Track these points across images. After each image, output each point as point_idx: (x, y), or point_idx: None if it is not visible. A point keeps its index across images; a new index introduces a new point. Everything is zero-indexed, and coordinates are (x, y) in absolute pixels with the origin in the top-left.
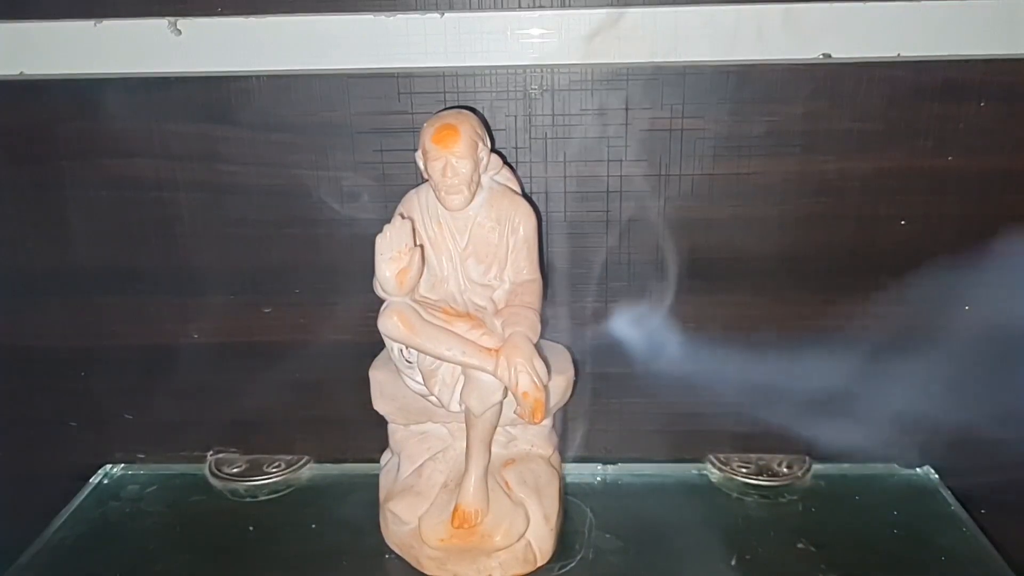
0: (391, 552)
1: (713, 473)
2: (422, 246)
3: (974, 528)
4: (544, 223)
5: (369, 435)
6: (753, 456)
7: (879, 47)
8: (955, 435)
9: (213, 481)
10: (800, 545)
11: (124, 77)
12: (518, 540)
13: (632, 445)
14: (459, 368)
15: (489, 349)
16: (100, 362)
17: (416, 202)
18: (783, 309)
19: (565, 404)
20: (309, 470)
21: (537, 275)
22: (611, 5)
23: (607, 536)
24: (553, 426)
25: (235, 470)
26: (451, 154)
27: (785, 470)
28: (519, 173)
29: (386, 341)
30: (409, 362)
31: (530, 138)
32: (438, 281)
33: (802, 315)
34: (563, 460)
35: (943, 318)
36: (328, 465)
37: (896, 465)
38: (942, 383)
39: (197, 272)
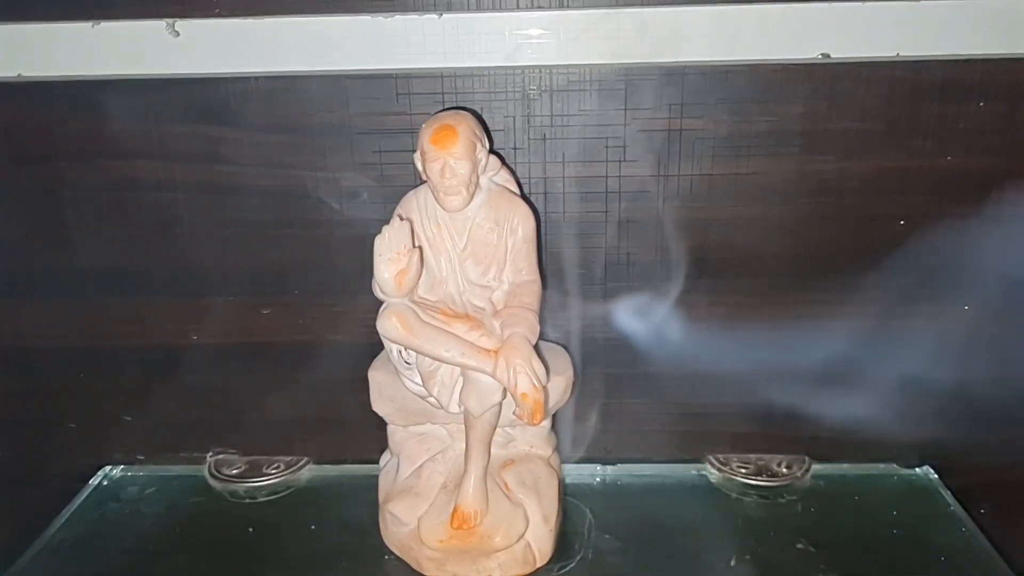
0: (390, 553)
1: (712, 473)
2: (421, 247)
3: (973, 528)
4: (543, 224)
5: (368, 436)
6: (752, 456)
7: (878, 47)
8: (955, 435)
9: (212, 482)
10: (800, 545)
11: (123, 78)
12: (517, 541)
13: (631, 445)
14: (458, 369)
15: (488, 350)
16: (99, 363)
17: (415, 203)
18: (783, 309)
19: (566, 404)
20: (308, 471)
21: (536, 276)
22: (610, 5)
23: (606, 537)
24: (552, 428)
25: (234, 471)
26: (449, 155)
27: (784, 470)
28: (518, 174)
29: (385, 342)
30: (408, 363)
31: (529, 139)
32: (437, 282)
33: (802, 315)
34: (563, 460)
35: (943, 318)
36: (327, 466)
37: (895, 465)
38: (943, 384)
39: (196, 273)
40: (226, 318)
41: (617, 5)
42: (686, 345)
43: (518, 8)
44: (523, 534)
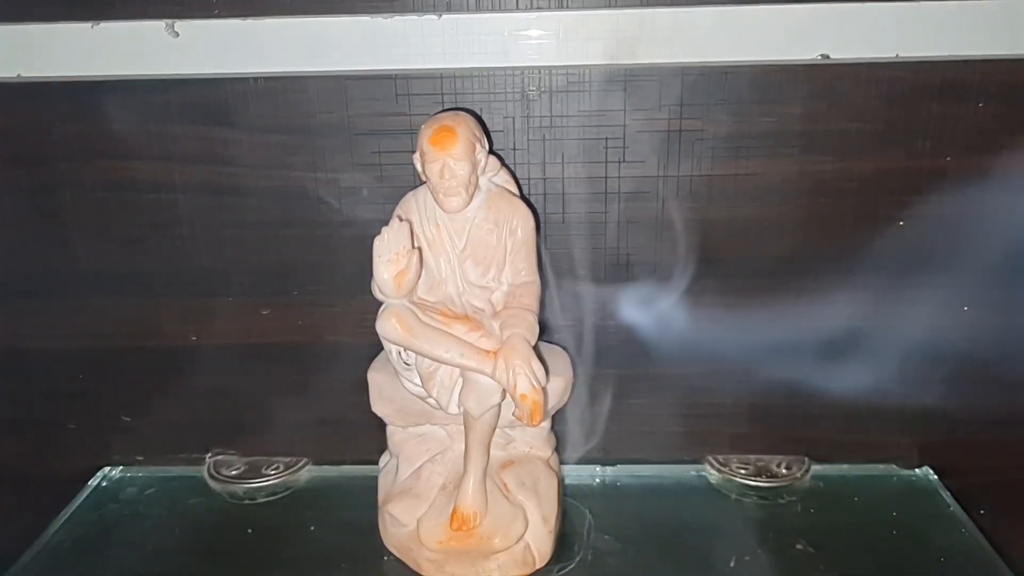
0: (390, 554)
1: (712, 474)
2: (420, 248)
3: (973, 529)
4: (542, 225)
5: (368, 437)
6: (752, 457)
7: (877, 48)
8: (955, 436)
9: (212, 483)
10: (799, 546)
11: (122, 79)
12: (517, 542)
13: (631, 446)
14: (457, 370)
15: (487, 351)
16: (98, 364)
17: (414, 204)
18: (782, 310)
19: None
20: (308, 472)
21: (535, 277)
22: (609, 7)
23: (606, 538)
24: (552, 428)
25: (234, 472)
26: (449, 156)
27: (784, 471)
28: (517, 174)
29: (384, 343)
30: (407, 364)
31: (528, 139)
32: (436, 283)
33: (801, 316)
34: (562, 461)
35: (942, 318)
36: (327, 467)
37: (895, 466)
38: (943, 383)
39: (196, 274)
40: (225, 319)
41: (616, 6)
42: (685, 346)
43: (517, 9)
44: (522, 535)
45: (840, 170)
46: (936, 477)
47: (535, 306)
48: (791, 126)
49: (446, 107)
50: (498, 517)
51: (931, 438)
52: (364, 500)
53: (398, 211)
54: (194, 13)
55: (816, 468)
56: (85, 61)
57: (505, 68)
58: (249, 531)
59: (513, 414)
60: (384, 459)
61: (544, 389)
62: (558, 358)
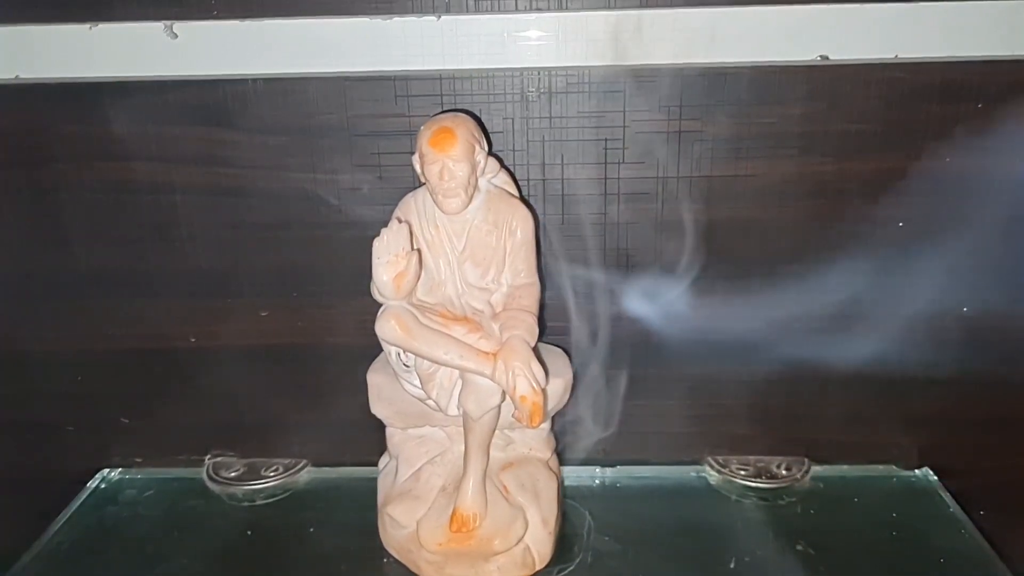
0: (389, 556)
1: (712, 475)
2: (419, 250)
3: (973, 530)
4: (542, 226)
5: (367, 439)
6: (752, 458)
7: (877, 48)
8: (955, 437)
9: (211, 485)
10: (799, 547)
11: (121, 80)
12: (516, 544)
13: (630, 447)
14: (457, 372)
15: (487, 353)
16: (97, 366)
17: (413, 205)
18: (782, 311)
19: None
20: (307, 474)
21: (535, 278)
22: (608, 8)
23: (606, 539)
24: (552, 429)
25: (233, 474)
26: (448, 157)
27: (784, 472)
28: (516, 176)
29: (384, 345)
30: (407, 366)
31: (527, 141)
32: (435, 285)
33: (801, 317)
34: (562, 463)
35: (942, 319)
36: (326, 469)
37: (895, 467)
38: (943, 384)
39: (194, 275)
40: (224, 320)
41: (616, 7)
42: (685, 347)
43: (516, 10)
44: (522, 537)
45: (839, 171)
46: (936, 478)
47: (534, 307)
48: (790, 127)
49: (445, 108)
50: (498, 519)
51: (931, 439)
52: (363, 502)
53: (397, 212)
54: (193, 14)
55: (816, 469)
56: (84, 62)
57: (504, 69)
58: (248, 533)
59: (512, 416)
60: (383, 461)
61: (543, 391)
62: (557, 359)
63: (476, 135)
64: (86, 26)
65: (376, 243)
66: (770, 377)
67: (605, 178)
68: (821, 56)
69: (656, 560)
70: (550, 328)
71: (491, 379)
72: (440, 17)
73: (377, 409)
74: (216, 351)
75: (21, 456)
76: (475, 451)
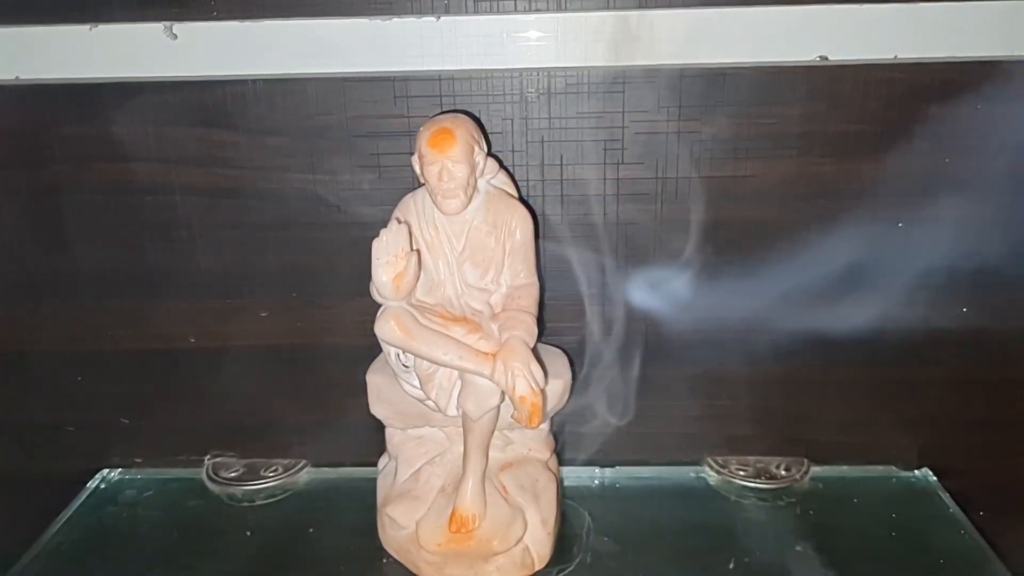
0: (388, 556)
1: (711, 476)
2: (419, 250)
3: (972, 530)
4: (541, 226)
5: (366, 439)
6: (751, 459)
7: (876, 49)
8: (954, 438)
9: (210, 485)
10: (798, 548)
11: (121, 81)
12: (516, 544)
13: (630, 448)
14: (456, 372)
15: (486, 353)
16: (97, 366)
17: (412, 206)
18: (782, 311)
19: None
20: (306, 474)
21: (534, 279)
22: (607, 8)
23: (605, 540)
24: (550, 431)
25: (232, 474)
26: (447, 158)
27: (783, 473)
28: (516, 176)
29: (383, 345)
30: (406, 366)
31: (527, 141)
32: (435, 285)
33: (801, 318)
34: (562, 463)
35: (942, 320)
36: (325, 469)
37: (895, 467)
38: (943, 384)
39: (194, 276)
40: (224, 321)
41: (615, 7)
42: (684, 347)
43: (516, 11)
44: (521, 537)
45: (839, 171)
46: (935, 479)
47: (534, 308)
48: (790, 127)
49: (445, 109)
50: (497, 519)
51: (931, 439)
52: (363, 502)
53: (396, 213)
54: (192, 15)
55: (815, 470)
56: (84, 63)
57: (504, 70)
58: (248, 533)
59: (512, 416)
60: (383, 461)
61: (543, 391)
62: (557, 360)
63: (475, 136)
64: (86, 27)
65: (375, 244)
66: (769, 378)
67: (604, 179)
68: (820, 56)
69: (655, 561)
70: (549, 328)
71: (490, 380)
72: (439, 18)
73: (377, 409)
74: (216, 351)
75: (21, 456)
76: (474, 452)
